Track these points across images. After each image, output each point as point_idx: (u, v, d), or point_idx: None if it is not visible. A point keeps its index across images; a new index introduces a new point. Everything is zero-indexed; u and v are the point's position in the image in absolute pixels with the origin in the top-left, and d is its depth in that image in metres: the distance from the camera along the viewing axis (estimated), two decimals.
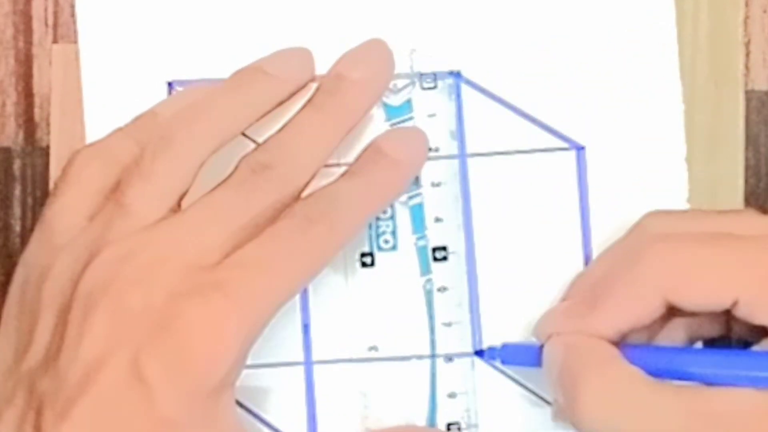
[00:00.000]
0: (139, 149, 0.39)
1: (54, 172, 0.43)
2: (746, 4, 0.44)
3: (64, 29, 0.44)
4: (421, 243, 0.42)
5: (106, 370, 0.35)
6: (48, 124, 0.44)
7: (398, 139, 0.41)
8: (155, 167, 0.38)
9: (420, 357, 0.42)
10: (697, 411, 0.35)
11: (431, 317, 0.42)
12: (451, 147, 0.42)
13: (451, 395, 0.42)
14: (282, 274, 0.37)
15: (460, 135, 0.42)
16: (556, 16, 0.43)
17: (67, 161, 0.40)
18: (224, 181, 0.38)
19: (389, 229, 0.42)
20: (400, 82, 0.43)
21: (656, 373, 0.36)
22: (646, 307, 0.37)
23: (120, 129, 0.40)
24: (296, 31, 0.43)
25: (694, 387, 0.36)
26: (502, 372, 0.42)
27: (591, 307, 0.38)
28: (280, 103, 0.41)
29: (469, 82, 0.42)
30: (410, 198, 0.42)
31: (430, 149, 0.42)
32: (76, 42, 0.43)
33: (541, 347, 0.39)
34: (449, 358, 0.42)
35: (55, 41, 0.44)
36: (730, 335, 0.39)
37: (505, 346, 0.41)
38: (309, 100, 0.40)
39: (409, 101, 0.42)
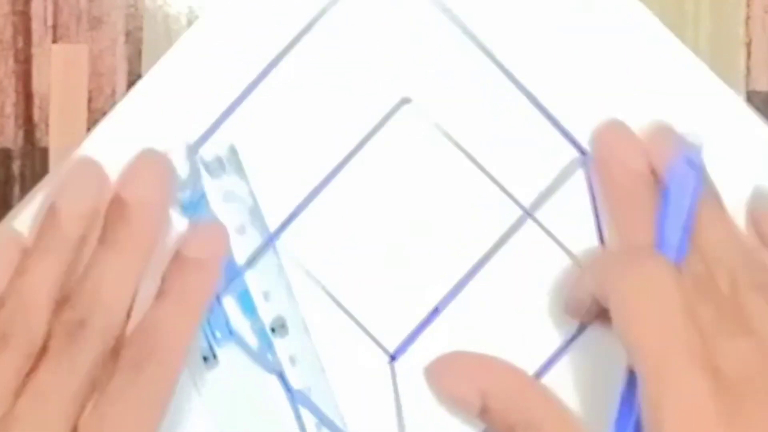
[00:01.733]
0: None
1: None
2: (747, 5, 0.44)
3: (63, 29, 0.44)
4: (257, 325, 0.41)
5: None
6: (47, 125, 0.44)
7: (197, 239, 0.40)
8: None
9: None
10: None
11: (290, 390, 0.41)
12: (254, 221, 0.41)
13: None
14: None
15: (257, 209, 0.42)
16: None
17: None
18: (44, 352, 0.37)
19: (221, 321, 0.41)
20: (183, 174, 0.41)
21: None
22: None
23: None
24: None
25: None
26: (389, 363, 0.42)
27: None
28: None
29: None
30: (233, 284, 0.41)
31: (237, 230, 0.41)
32: (76, 42, 0.43)
33: None
34: (319, 426, 0.41)
35: (54, 41, 0.44)
36: None
37: None
38: (99, 238, 0.39)
39: (201, 192, 0.41)
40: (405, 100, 0.42)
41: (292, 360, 0.41)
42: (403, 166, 0.42)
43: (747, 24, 0.44)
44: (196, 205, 0.41)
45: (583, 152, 0.42)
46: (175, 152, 0.41)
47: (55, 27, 0.44)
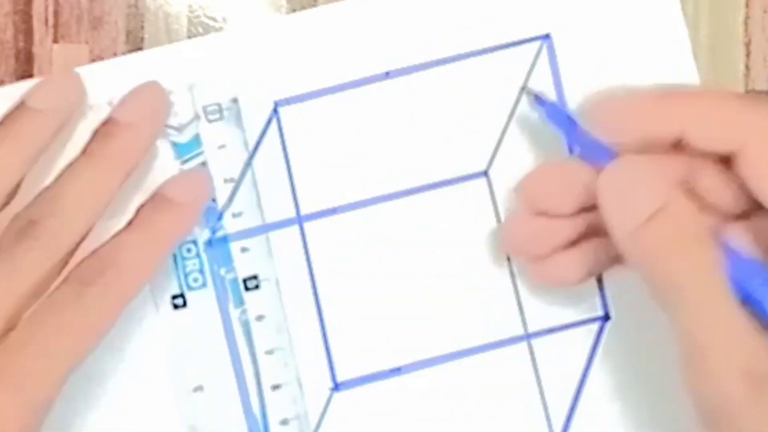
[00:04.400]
0: None
1: None
2: (747, 5, 0.44)
3: (64, 29, 0.44)
4: (230, 275, 0.42)
5: None
6: None
7: (179, 182, 0.41)
8: None
9: (246, 389, 0.41)
10: None
11: (252, 347, 0.42)
12: (246, 175, 0.42)
13: (284, 422, 0.41)
14: (58, 348, 0.36)
15: (251, 162, 0.42)
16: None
17: None
18: None
19: (197, 267, 0.42)
20: (185, 118, 0.42)
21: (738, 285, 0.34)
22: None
23: None
24: None
25: None
26: (331, 390, 0.42)
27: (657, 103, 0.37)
28: (56, 135, 0.40)
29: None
30: (213, 233, 0.42)
31: (225, 180, 0.42)
32: (76, 42, 0.43)
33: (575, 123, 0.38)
34: (276, 386, 0.41)
35: (55, 41, 0.44)
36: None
37: (553, 105, 0.41)
38: (83, 149, 0.39)
39: (196, 136, 0.42)
40: None
41: (260, 318, 0.42)
42: None
43: (746, 24, 0.44)
44: (189, 148, 0.42)
45: None
46: (177, 92, 0.42)
47: (56, 27, 0.44)
